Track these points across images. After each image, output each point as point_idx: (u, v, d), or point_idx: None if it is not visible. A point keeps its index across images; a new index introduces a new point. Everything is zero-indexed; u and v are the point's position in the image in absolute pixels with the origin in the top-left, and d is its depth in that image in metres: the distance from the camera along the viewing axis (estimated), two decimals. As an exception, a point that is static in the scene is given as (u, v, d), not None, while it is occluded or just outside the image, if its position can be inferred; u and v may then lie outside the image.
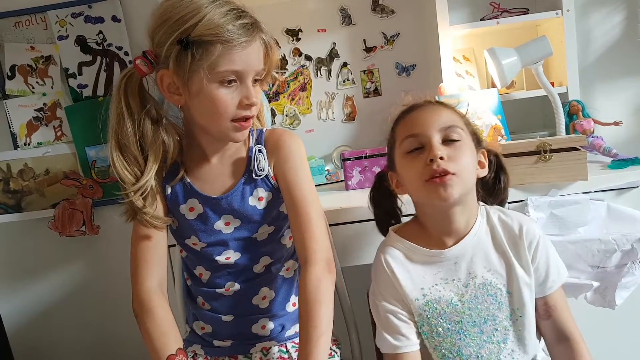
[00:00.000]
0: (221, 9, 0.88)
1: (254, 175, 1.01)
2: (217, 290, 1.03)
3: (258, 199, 1.01)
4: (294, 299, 1.08)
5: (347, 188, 1.52)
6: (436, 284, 0.96)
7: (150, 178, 0.96)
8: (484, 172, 0.99)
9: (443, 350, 0.94)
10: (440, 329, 0.94)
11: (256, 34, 0.91)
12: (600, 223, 1.22)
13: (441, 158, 0.89)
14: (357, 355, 1.25)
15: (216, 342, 1.04)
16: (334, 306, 1.06)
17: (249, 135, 1.05)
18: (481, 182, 1.02)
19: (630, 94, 1.84)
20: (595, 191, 1.23)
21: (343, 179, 1.55)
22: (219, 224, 1.01)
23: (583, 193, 1.22)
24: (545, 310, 0.97)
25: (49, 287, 2.01)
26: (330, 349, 1.10)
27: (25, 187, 1.92)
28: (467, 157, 0.92)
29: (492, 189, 1.04)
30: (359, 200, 1.34)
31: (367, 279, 1.24)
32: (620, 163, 1.30)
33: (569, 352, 0.95)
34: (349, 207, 1.29)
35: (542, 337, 1.00)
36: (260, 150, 1.02)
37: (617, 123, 1.59)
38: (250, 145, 1.04)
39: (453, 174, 0.89)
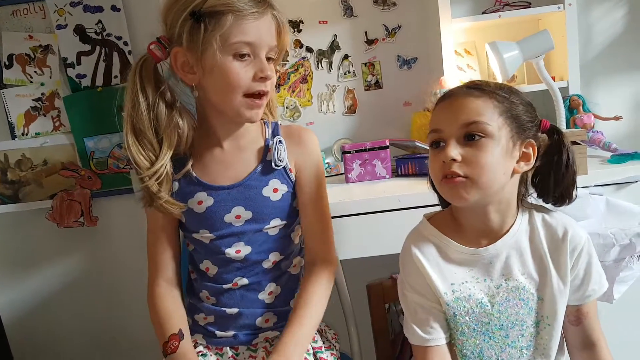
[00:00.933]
0: None
1: (273, 165, 1.01)
2: (225, 285, 1.03)
3: (273, 190, 1.01)
4: (297, 294, 1.08)
5: (347, 181, 1.52)
6: (467, 281, 0.91)
7: (165, 162, 0.96)
8: (527, 167, 0.87)
9: (465, 350, 0.91)
10: (465, 328, 0.90)
11: (267, 8, 0.92)
12: (599, 217, 1.22)
13: (454, 160, 0.83)
14: (356, 349, 1.25)
15: (218, 333, 1.03)
16: (333, 299, 1.08)
17: (263, 125, 1.06)
18: (543, 178, 0.91)
19: (631, 89, 1.84)
20: (594, 185, 1.23)
21: (343, 171, 1.54)
22: (229, 217, 1.00)
23: (582, 187, 1.22)
24: (576, 317, 0.93)
25: (47, 278, 2.01)
26: (329, 341, 1.10)
27: (23, 178, 1.91)
28: (491, 156, 0.82)
29: (556, 181, 0.90)
30: (359, 193, 1.34)
31: (367, 272, 1.24)
32: (620, 158, 1.30)
33: (594, 359, 0.92)
34: (349, 200, 1.29)
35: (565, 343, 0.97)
36: (280, 142, 1.03)
37: (617, 118, 1.59)
38: (267, 136, 1.04)
39: (465, 177, 0.83)
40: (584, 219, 1.21)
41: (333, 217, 1.20)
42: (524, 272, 0.90)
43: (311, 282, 1.03)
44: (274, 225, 1.03)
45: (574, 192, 0.91)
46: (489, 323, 0.90)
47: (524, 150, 0.87)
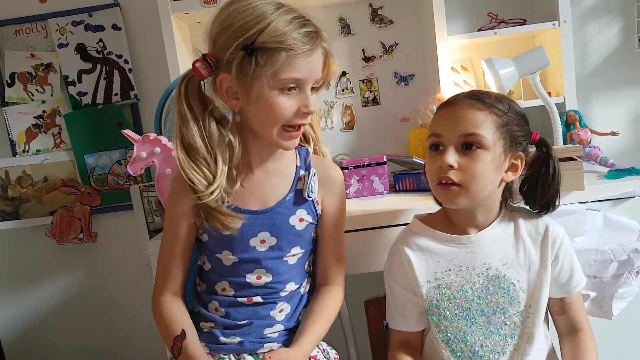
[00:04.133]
0: (286, 16, 0.89)
1: (305, 196, 1.02)
2: (239, 299, 1.03)
3: (299, 220, 1.02)
4: (302, 311, 1.08)
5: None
6: (450, 269, 0.98)
7: (223, 179, 0.95)
8: (514, 176, 0.96)
9: (449, 334, 0.97)
10: (448, 313, 0.97)
11: (319, 43, 0.92)
12: (596, 233, 1.22)
13: (451, 167, 0.90)
14: (355, 365, 1.24)
15: (222, 339, 1.02)
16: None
17: (296, 152, 1.07)
18: (531, 188, 0.99)
19: (627, 105, 1.85)
20: (592, 201, 1.23)
21: (341, 187, 1.55)
22: (255, 241, 1.00)
23: (580, 203, 1.22)
24: (560, 307, 1.00)
25: (46, 294, 2.01)
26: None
27: (24, 194, 1.92)
28: (484, 166, 0.90)
29: (543, 191, 0.98)
30: (357, 208, 1.34)
31: (365, 288, 1.24)
32: (617, 173, 1.30)
33: (576, 343, 0.98)
34: (347, 215, 1.29)
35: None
36: (315, 174, 1.03)
37: (614, 133, 1.59)
38: (299, 164, 1.05)
39: (459, 185, 0.90)
40: (582, 235, 1.20)
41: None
42: (505, 262, 0.97)
43: (327, 300, 1.06)
44: (294, 253, 1.03)
45: (557, 201, 1.00)
46: (469, 308, 0.97)
47: (513, 161, 0.95)
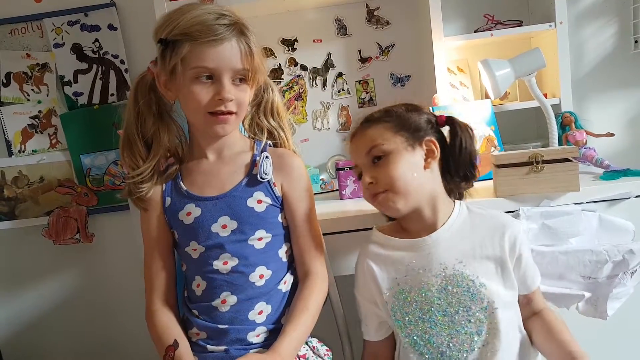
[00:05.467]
0: (201, 12, 0.97)
1: (258, 177, 1.06)
2: (213, 303, 1.04)
3: (257, 202, 1.05)
4: (286, 311, 1.08)
5: (341, 197, 1.52)
6: (407, 274, 1.01)
7: (148, 167, 1.06)
8: (434, 160, 1.02)
9: (414, 338, 0.99)
10: (411, 317, 0.99)
11: (231, 34, 0.98)
12: (591, 234, 1.22)
13: (371, 183, 1.01)
14: (350, 365, 1.24)
15: (210, 347, 1.03)
16: (327, 316, 1.07)
17: (254, 145, 1.12)
18: (447, 164, 1.05)
19: (623, 106, 1.85)
20: (587, 202, 1.23)
21: (337, 188, 1.55)
22: (216, 227, 1.04)
23: (575, 204, 1.22)
24: (527, 302, 1.05)
25: (43, 295, 2.00)
26: (322, 357, 1.10)
27: (20, 195, 1.92)
28: (397, 165, 0.98)
29: (456, 164, 1.04)
30: (353, 209, 1.35)
31: (361, 288, 1.24)
32: (612, 174, 1.31)
33: (543, 317, 1.03)
34: (343, 216, 1.29)
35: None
36: (267, 157, 1.08)
37: (609, 134, 1.60)
38: (255, 152, 1.10)
39: (385, 191, 0.99)
40: (577, 236, 1.21)
41: (327, 234, 1.20)
42: (461, 260, 0.99)
43: (305, 292, 1.06)
44: (259, 236, 1.05)
45: (476, 172, 1.06)
46: (431, 310, 0.98)
47: (427, 147, 1.02)
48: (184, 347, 1.02)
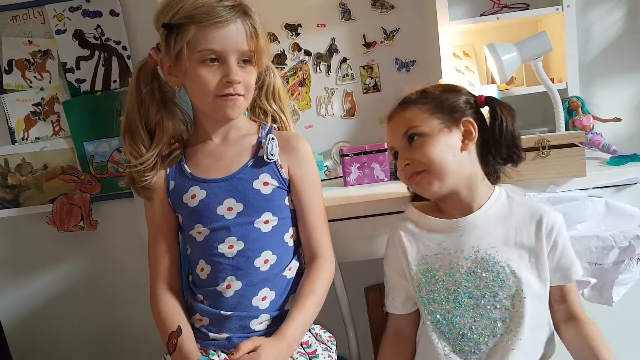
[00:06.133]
0: None
1: (265, 159, 1.06)
2: (217, 288, 1.03)
3: (263, 184, 1.05)
4: (291, 297, 1.08)
5: (345, 184, 1.52)
6: (438, 253, 1.01)
7: (152, 155, 1.05)
8: (472, 142, 1.00)
9: (437, 317, 0.99)
10: (436, 295, 0.99)
11: (235, 15, 0.97)
12: (598, 220, 1.21)
13: (407, 164, 1.00)
14: (355, 353, 1.25)
15: (212, 335, 1.03)
16: (332, 302, 1.07)
17: (259, 128, 1.12)
18: (486, 146, 1.02)
19: (630, 91, 1.83)
20: (593, 187, 1.22)
21: (342, 175, 1.54)
22: (222, 209, 1.03)
23: (581, 189, 1.21)
24: (561, 296, 1.01)
25: (47, 282, 2.01)
26: (325, 344, 1.10)
27: (23, 182, 1.92)
28: (434, 146, 0.97)
29: (496, 145, 1.01)
30: (357, 196, 1.34)
31: (365, 274, 1.24)
32: (619, 160, 1.29)
33: (581, 326, 0.98)
34: (347, 203, 1.28)
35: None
36: (273, 138, 1.08)
37: (616, 119, 1.58)
38: (261, 135, 1.10)
39: (422, 171, 0.98)
40: (583, 221, 1.20)
41: (331, 220, 1.20)
42: (494, 245, 0.98)
43: (312, 275, 1.06)
44: (265, 219, 1.05)
45: (521, 153, 1.03)
46: (457, 291, 0.98)
47: (464, 128, 1.00)
48: (187, 333, 1.02)
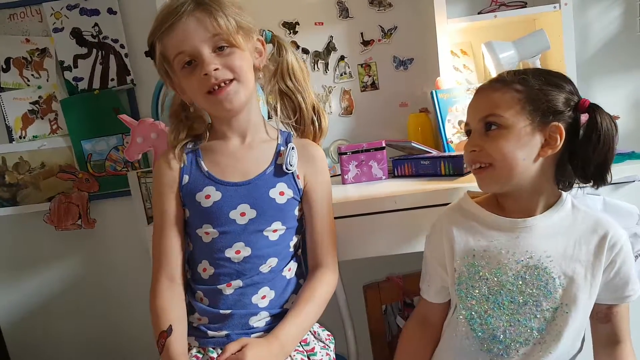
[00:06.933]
0: (163, 6, 0.99)
1: (284, 169, 1.05)
2: (219, 286, 1.03)
3: (279, 193, 1.04)
4: (291, 298, 1.08)
5: (343, 182, 1.51)
6: (487, 250, 0.95)
7: (180, 142, 1.08)
8: (552, 151, 0.88)
9: (473, 313, 0.95)
10: (477, 292, 0.95)
11: (188, 9, 0.96)
12: (596, 218, 1.21)
13: (473, 151, 0.92)
14: (353, 351, 1.25)
15: (210, 333, 1.03)
16: (330, 300, 1.08)
17: (278, 132, 1.12)
18: (571, 157, 0.91)
19: (628, 89, 1.83)
20: (591, 185, 1.22)
21: (340, 173, 1.54)
22: (234, 213, 1.02)
23: (579, 187, 1.22)
24: (606, 315, 0.95)
25: (45, 281, 2.01)
26: (323, 342, 1.10)
27: (21, 181, 1.92)
28: (506, 144, 0.88)
29: (584, 161, 0.90)
30: (355, 194, 1.34)
31: (363, 273, 1.24)
32: (617, 157, 1.29)
33: (616, 355, 0.94)
34: (345, 201, 1.28)
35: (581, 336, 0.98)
36: (293, 148, 1.07)
37: (614, 117, 1.58)
38: (279, 142, 1.09)
39: (488, 166, 0.90)
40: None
41: (329, 219, 1.20)
42: (550, 255, 0.92)
43: (314, 282, 1.06)
44: (275, 228, 1.04)
45: (607, 176, 0.91)
46: (500, 292, 0.93)
47: (550, 133, 0.88)
48: (179, 334, 0.99)
